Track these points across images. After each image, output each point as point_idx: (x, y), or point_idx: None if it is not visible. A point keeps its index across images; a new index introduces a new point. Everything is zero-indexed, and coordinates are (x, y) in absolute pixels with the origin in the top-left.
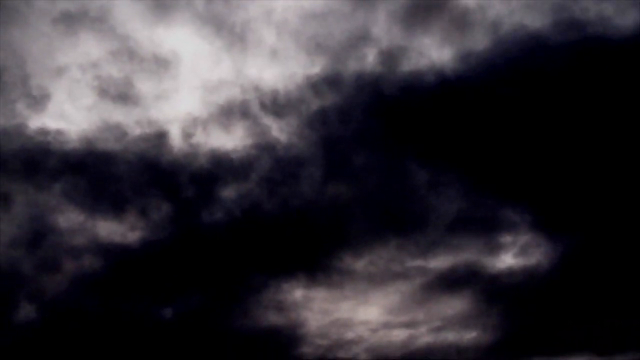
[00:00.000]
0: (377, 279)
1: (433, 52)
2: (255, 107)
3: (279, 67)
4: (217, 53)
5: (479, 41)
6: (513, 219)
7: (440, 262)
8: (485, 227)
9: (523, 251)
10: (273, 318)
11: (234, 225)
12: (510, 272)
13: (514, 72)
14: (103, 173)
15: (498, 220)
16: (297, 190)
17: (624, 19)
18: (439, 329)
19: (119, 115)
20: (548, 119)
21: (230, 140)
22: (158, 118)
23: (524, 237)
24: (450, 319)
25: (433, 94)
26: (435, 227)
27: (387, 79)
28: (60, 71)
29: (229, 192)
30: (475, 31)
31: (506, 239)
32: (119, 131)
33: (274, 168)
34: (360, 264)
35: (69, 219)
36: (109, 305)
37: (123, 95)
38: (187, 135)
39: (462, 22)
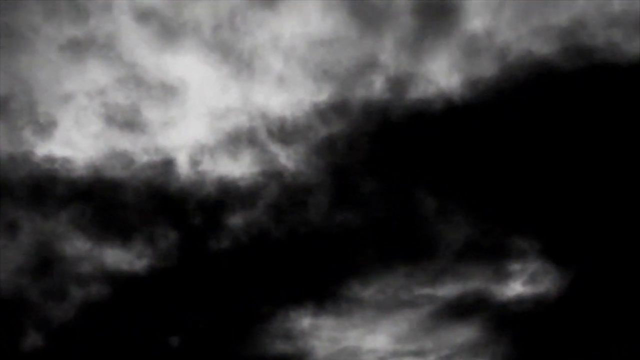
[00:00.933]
0: (386, 307)
1: (441, 78)
2: (262, 135)
3: (286, 94)
4: (224, 80)
5: (487, 68)
6: (522, 247)
7: (448, 290)
8: (494, 255)
9: (532, 279)
10: (281, 346)
11: (241, 253)
12: (520, 300)
13: (522, 98)
14: (110, 200)
15: (507, 248)
16: (304, 218)
17: (632, 46)
18: (448, 358)
19: (126, 142)
20: (557, 146)
21: (238, 167)
22: (165, 145)
23: (533, 265)
24: (459, 347)
25: (441, 120)
26: (444, 255)
27: (395, 105)
28: (67, 98)
29: (236, 220)
30: (483, 58)
31: (515, 267)
32: (126, 158)
33: (281, 195)
34: (368, 292)
35: (76, 246)
36: (115, 333)
37: (130, 123)
38: (194, 162)
39: (469, 48)
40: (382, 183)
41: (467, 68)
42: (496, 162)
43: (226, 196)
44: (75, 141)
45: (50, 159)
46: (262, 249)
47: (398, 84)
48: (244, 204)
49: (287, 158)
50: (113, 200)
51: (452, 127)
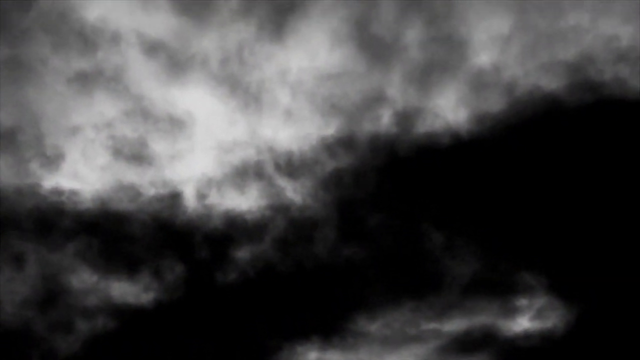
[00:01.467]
0: (392, 342)
1: (448, 113)
2: (269, 168)
3: (294, 127)
4: (231, 113)
5: (494, 102)
6: (529, 282)
7: (455, 325)
8: (500, 289)
9: (539, 314)
10: None
11: (248, 286)
12: (527, 336)
13: (529, 133)
14: (117, 233)
15: (514, 283)
16: (311, 252)
17: None
18: None
19: (133, 175)
20: (564, 181)
21: (245, 201)
22: (172, 178)
23: (541, 300)
24: None
25: (448, 155)
26: (450, 289)
27: (402, 139)
28: (74, 131)
29: (243, 253)
30: (491, 92)
31: (522, 302)
32: (133, 191)
33: (288, 229)
34: (374, 326)
35: (82, 279)
36: None
37: (137, 156)
38: (201, 195)
39: (477, 83)
40: (389, 217)
41: (475, 103)
42: (503, 197)
43: (233, 229)
44: (82, 174)
45: (57, 192)
46: (268, 282)
47: (405, 118)
48: (251, 238)
49: (294, 192)
50: (120, 233)
51: (460, 161)
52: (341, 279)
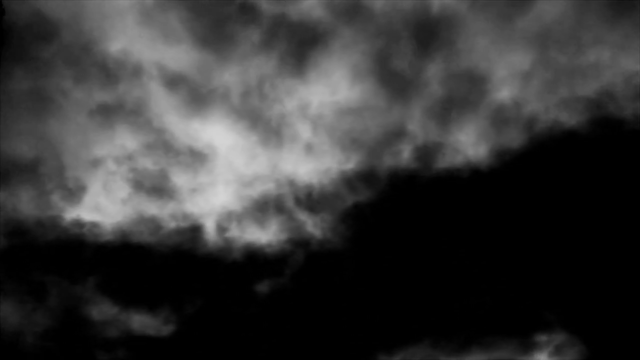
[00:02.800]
0: None
1: (468, 148)
2: (289, 202)
3: (314, 162)
4: (252, 147)
5: (515, 138)
6: (548, 319)
7: None
8: (520, 326)
9: (558, 351)
10: None
11: (267, 319)
12: None
13: (550, 169)
14: (137, 266)
15: (533, 319)
16: (331, 286)
17: None
18: None
19: (154, 208)
20: (585, 217)
21: (265, 234)
22: (193, 212)
23: (559, 337)
24: None
25: (468, 190)
26: (470, 325)
27: (422, 174)
28: (96, 163)
29: (262, 287)
30: (511, 128)
31: (541, 338)
32: (153, 224)
33: (308, 263)
34: None
35: (103, 311)
36: None
37: (158, 188)
38: (221, 229)
39: (497, 118)
40: (409, 252)
41: (495, 138)
42: (523, 234)
43: (253, 263)
44: (103, 206)
45: (79, 224)
46: (287, 316)
47: (426, 153)
48: (271, 271)
49: (314, 226)
50: (140, 266)
51: (480, 196)
52: (360, 314)
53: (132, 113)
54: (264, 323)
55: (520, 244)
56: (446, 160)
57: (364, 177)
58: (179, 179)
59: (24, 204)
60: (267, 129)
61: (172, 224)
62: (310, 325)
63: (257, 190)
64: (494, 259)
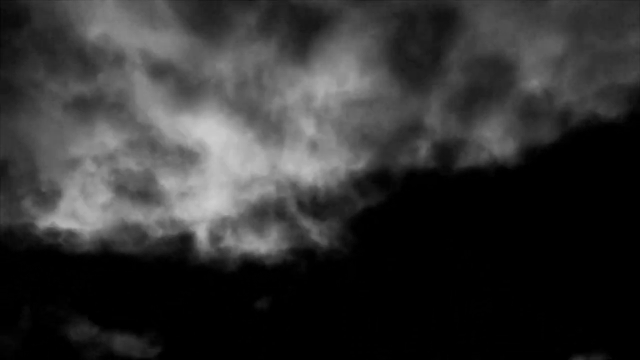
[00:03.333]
0: None
1: (494, 145)
2: (292, 207)
3: (319, 161)
4: (249, 145)
5: (546, 133)
6: (589, 340)
7: None
8: (554, 347)
9: None
10: None
11: (266, 340)
12: None
13: (586, 168)
14: (120, 280)
15: (570, 341)
16: (338, 303)
17: None
18: None
19: (139, 214)
20: (629, 223)
21: (264, 244)
22: (183, 218)
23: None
24: None
25: (494, 192)
26: (497, 346)
27: (442, 175)
28: (72, 164)
29: (262, 304)
30: (542, 122)
31: None
32: (138, 233)
33: (313, 277)
34: None
35: (81, 331)
36: None
37: (143, 192)
38: (215, 238)
39: (527, 111)
40: (427, 263)
41: (524, 133)
42: (557, 241)
43: (251, 276)
44: (82, 212)
45: (53, 233)
46: (289, 336)
47: (446, 150)
48: (271, 286)
49: (319, 234)
50: (123, 280)
51: (507, 200)
52: (372, 335)
53: (113, 107)
54: (263, 344)
55: (554, 253)
56: (469, 159)
57: (376, 178)
58: (167, 181)
59: None
60: (266, 124)
61: (159, 233)
62: (315, 347)
63: (255, 194)
64: (524, 272)
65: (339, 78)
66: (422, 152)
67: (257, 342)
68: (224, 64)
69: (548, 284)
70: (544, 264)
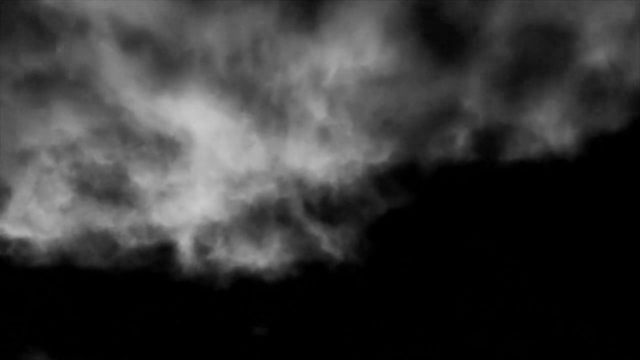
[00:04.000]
0: None
1: (549, 132)
2: (297, 210)
3: (332, 153)
4: (244, 133)
5: (613, 117)
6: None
7: None
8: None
9: None
10: None
11: None
12: None
13: None
14: (83, 301)
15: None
16: (354, 327)
17: None
18: None
19: (107, 219)
20: None
21: (263, 256)
22: (162, 224)
23: None
24: None
25: (548, 189)
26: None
27: (484, 170)
28: (24, 157)
29: (261, 329)
30: (608, 104)
31: None
32: (106, 242)
33: (323, 295)
34: None
35: None
36: None
37: (112, 192)
38: (202, 248)
39: (589, 91)
40: (466, 279)
41: (586, 118)
42: (627, 246)
43: (247, 296)
44: (36, 217)
45: (1, 241)
46: None
47: (488, 140)
48: (272, 307)
49: (332, 243)
50: (88, 301)
51: (565, 200)
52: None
53: (75, 86)
54: None
55: (624, 261)
56: (517, 150)
57: (402, 174)
58: (142, 178)
59: None
60: (266, 107)
61: (132, 242)
62: None
63: (251, 194)
64: (586, 283)
65: (355, 50)
66: (458, 142)
67: None
68: (212, 33)
69: (615, 297)
70: (613, 272)
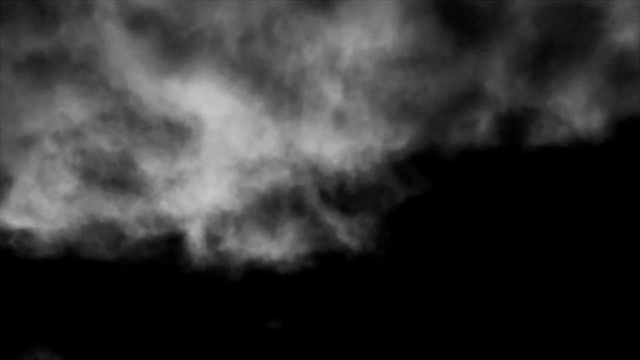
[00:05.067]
0: None
1: (575, 116)
2: (312, 199)
3: (348, 138)
4: (256, 118)
5: None
6: None
7: None
8: None
9: None
10: None
11: None
12: None
13: None
14: (89, 294)
15: None
16: (372, 320)
17: None
18: None
19: (113, 209)
20: None
21: (277, 247)
22: (171, 214)
23: None
24: None
25: (575, 176)
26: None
27: (508, 156)
28: (26, 143)
29: (274, 323)
30: (638, 86)
31: None
32: (112, 233)
33: (340, 288)
34: None
35: None
36: None
37: (119, 180)
38: (213, 239)
39: (618, 72)
40: (490, 270)
41: (615, 100)
42: None
43: (260, 288)
44: (39, 206)
45: (2, 233)
46: None
47: (513, 124)
48: (286, 299)
49: (348, 233)
50: (93, 294)
51: (593, 187)
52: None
53: (80, 68)
54: None
55: None
56: (543, 135)
57: (421, 160)
58: (150, 165)
59: None
60: (279, 90)
61: (139, 232)
62: None
63: (264, 181)
64: (616, 275)
65: (372, 29)
66: (481, 126)
67: None
68: (223, 12)
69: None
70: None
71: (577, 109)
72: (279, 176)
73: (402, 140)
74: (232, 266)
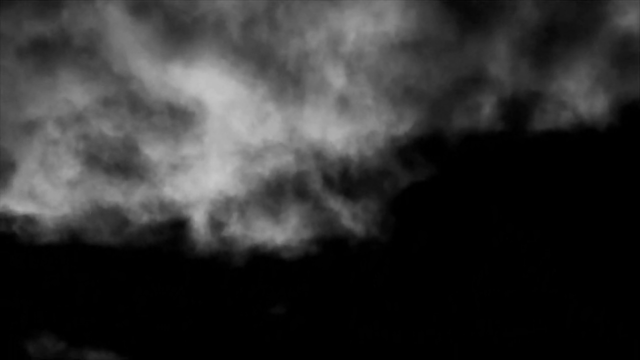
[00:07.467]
0: None
1: (579, 100)
2: (316, 184)
3: (352, 123)
4: (260, 103)
5: None
6: None
7: None
8: None
9: None
10: None
11: (284, 356)
12: None
13: None
14: (93, 280)
15: None
16: (376, 306)
17: None
18: None
19: (117, 194)
20: None
21: (280, 232)
22: (174, 199)
23: None
24: None
25: (579, 161)
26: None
27: (512, 140)
28: (29, 128)
29: (279, 308)
30: None
31: None
32: (116, 218)
33: (344, 273)
34: None
35: (43, 346)
36: None
37: (122, 165)
38: (217, 224)
39: (622, 56)
40: (494, 255)
41: (619, 85)
42: None
43: (264, 274)
44: (42, 192)
45: (5, 218)
46: (313, 349)
47: (516, 108)
48: (290, 286)
49: (352, 218)
50: (97, 280)
51: (597, 172)
52: (419, 349)
53: (82, 53)
54: (280, 357)
55: None
56: (546, 119)
57: (425, 145)
58: (153, 150)
59: None
60: (282, 75)
61: (143, 218)
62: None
63: (267, 167)
64: (622, 264)
65: (376, 13)
66: (485, 111)
67: (269, 356)
68: None
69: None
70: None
71: (580, 93)
72: (283, 161)
73: (405, 125)
74: (236, 252)
